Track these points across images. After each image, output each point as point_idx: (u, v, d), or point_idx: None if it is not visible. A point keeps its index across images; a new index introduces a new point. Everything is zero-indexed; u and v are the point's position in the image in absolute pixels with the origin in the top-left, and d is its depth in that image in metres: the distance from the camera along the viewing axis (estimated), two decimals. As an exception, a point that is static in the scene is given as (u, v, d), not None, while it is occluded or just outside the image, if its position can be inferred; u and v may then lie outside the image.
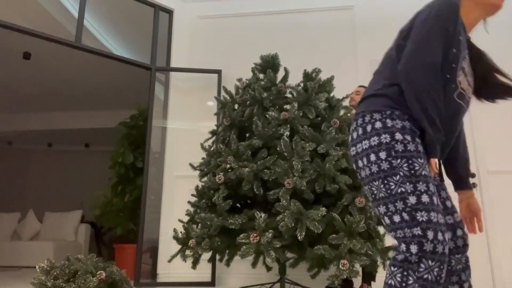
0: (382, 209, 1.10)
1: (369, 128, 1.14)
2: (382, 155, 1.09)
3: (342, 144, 2.69)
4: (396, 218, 1.06)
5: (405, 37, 1.21)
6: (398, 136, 1.10)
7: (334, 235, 2.30)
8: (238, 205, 2.86)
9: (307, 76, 3.00)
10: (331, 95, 3.02)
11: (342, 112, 2.89)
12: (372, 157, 1.11)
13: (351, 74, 3.99)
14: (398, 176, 1.06)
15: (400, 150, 1.08)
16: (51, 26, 4.19)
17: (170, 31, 4.34)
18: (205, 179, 2.89)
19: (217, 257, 2.85)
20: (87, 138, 8.11)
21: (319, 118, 2.85)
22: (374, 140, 1.12)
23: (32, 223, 6.49)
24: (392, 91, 1.16)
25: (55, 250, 5.67)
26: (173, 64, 4.22)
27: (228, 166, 2.65)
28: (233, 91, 3.21)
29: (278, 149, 2.59)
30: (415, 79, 1.10)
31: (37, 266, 2.49)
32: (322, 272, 2.72)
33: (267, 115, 2.76)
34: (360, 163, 1.16)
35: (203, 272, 3.55)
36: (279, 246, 2.32)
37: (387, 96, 1.16)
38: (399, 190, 1.06)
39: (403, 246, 1.03)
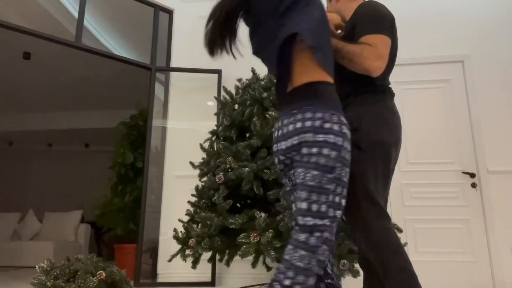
0: None
1: None
2: None
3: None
4: None
5: None
6: None
7: (334, 235, 2.30)
8: (238, 205, 2.86)
9: (307, 76, 2.99)
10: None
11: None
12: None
13: (351, 74, 3.98)
14: None
15: None
16: (51, 26, 4.19)
17: (170, 31, 4.34)
18: (205, 179, 2.89)
19: (217, 257, 2.85)
20: (87, 138, 8.11)
21: (319, 118, 2.84)
22: None
23: (32, 223, 6.49)
24: None
25: (55, 250, 5.67)
26: (173, 64, 4.22)
27: (228, 166, 2.65)
28: (233, 91, 3.20)
29: (278, 149, 2.59)
30: None
31: (37, 266, 2.49)
32: (322, 272, 2.71)
33: (267, 115, 2.76)
34: None
35: (203, 272, 3.55)
36: (279, 246, 2.32)
37: None
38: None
39: None
